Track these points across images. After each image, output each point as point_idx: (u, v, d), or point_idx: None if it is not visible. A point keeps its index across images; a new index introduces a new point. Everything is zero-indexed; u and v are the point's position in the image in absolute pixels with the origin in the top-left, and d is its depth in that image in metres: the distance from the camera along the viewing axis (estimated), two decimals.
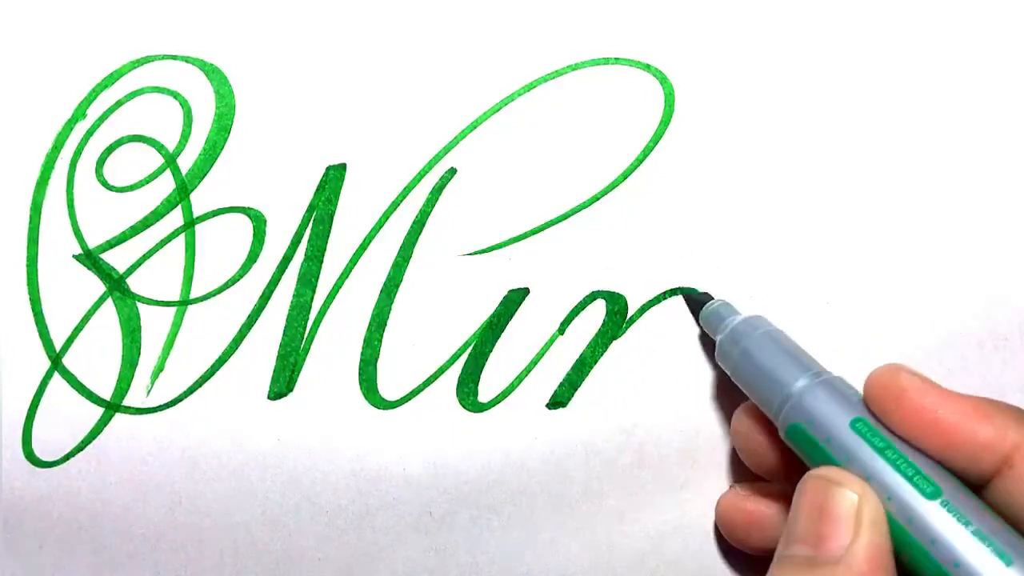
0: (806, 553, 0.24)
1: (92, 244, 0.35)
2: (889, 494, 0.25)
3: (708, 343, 0.34)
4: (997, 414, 0.25)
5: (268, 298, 0.35)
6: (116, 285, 0.35)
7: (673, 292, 0.35)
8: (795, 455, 0.28)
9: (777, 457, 0.30)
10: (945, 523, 0.24)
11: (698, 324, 0.34)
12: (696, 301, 0.34)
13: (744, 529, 0.32)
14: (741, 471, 0.35)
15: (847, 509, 0.24)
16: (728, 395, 0.35)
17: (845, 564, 0.23)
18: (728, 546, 0.35)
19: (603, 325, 0.35)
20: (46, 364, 0.35)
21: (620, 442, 0.35)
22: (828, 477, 0.25)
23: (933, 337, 0.35)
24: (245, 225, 0.35)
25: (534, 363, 0.35)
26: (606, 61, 0.35)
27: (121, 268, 0.35)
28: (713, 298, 0.34)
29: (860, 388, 0.27)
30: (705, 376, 0.35)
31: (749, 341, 0.30)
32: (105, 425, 0.35)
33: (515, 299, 0.35)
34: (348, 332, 0.35)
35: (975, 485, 0.25)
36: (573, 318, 0.35)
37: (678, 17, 0.34)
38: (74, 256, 0.35)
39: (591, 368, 0.35)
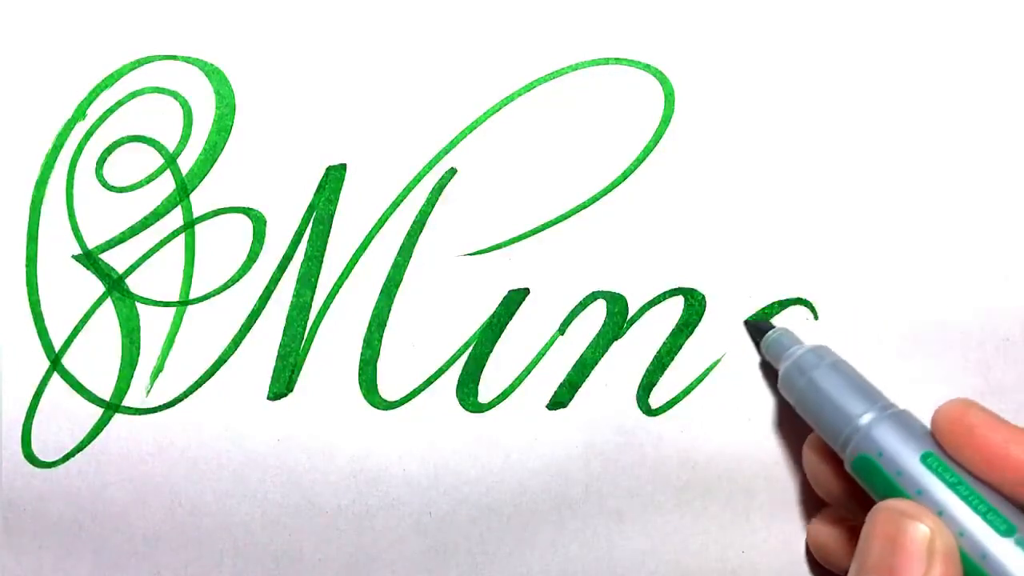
0: None
1: (91, 244, 0.35)
2: (961, 530, 0.25)
3: (766, 369, 0.35)
4: None
5: (268, 298, 0.35)
6: (115, 285, 0.35)
7: (674, 292, 0.35)
8: (860, 487, 0.28)
9: (843, 488, 0.31)
10: (1020, 561, 0.24)
11: (759, 352, 0.34)
12: (758, 328, 0.34)
13: (833, 554, 0.33)
14: (745, 476, 0.35)
15: (920, 542, 0.24)
16: (725, 395, 0.35)
17: None
18: (728, 547, 0.35)
19: (603, 325, 0.35)
20: (45, 364, 0.35)
21: (620, 442, 0.35)
22: (900, 509, 0.25)
23: (933, 337, 0.35)
24: (245, 225, 0.35)
25: (534, 363, 0.35)
26: (606, 61, 0.35)
27: (120, 268, 0.35)
28: (775, 326, 0.34)
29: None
30: (703, 375, 0.35)
31: (817, 372, 0.30)
32: (105, 425, 0.35)
33: (515, 299, 0.35)
34: (348, 332, 0.35)
35: None
36: (573, 318, 0.35)
37: (678, 17, 0.34)
38: (73, 256, 0.35)
39: (591, 368, 0.35)
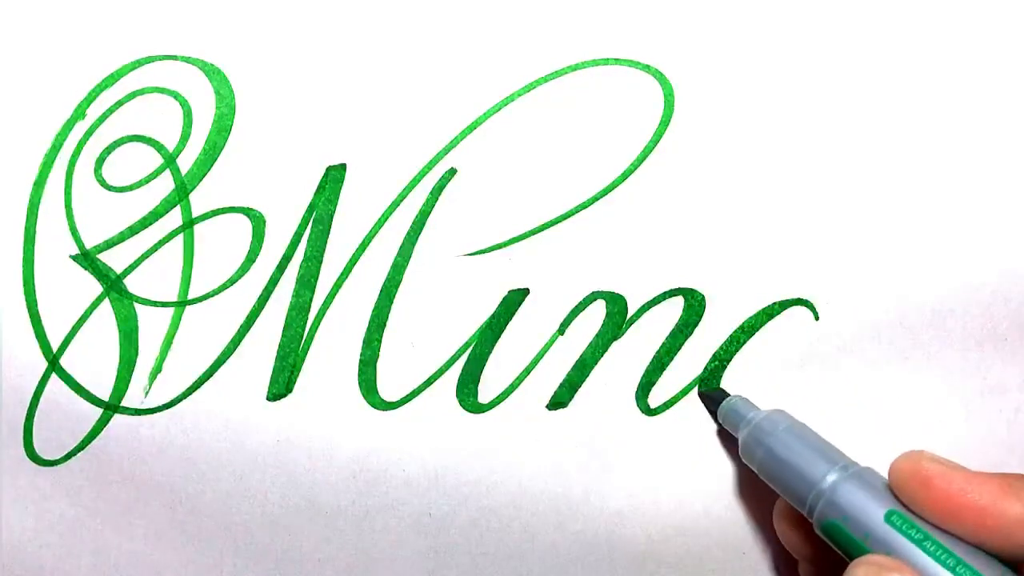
0: None
1: (89, 244, 0.35)
2: None
3: (727, 436, 0.35)
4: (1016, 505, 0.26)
5: (267, 298, 0.35)
6: (113, 285, 0.35)
7: (673, 293, 0.35)
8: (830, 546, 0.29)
9: (814, 548, 0.31)
10: None
11: (716, 421, 0.34)
12: (712, 399, 0.34)
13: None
14: (739, 477, 0.35)
15: None
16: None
17: None
18: (728, 547, 0.35)
19: (603, 325, 0.35)
20: (43, 365, 0.35)
21: (620, 442, 0.35)
22: (880, 563, 0.25)
23: (933, 337, 0.35)
24: (244, 225, 0.35)
25: (534, 364, 0.35)
26: (606, 61, 0.35)
27: (119, 268, 0.35)
28: (729, 395, 0.34)
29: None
30: (703, 375, 0.35)
31: (772, 439, 0.30)
32: (104, 425, 0.35)
33: (515, 299, 0.35)
34: (347, 332, 0.35)
35: (1013, 563, 0.26)
36: (573, 318, 0.35)
37: (678, 17, 0.34)
38: (71, 256, 0.35)
39: (591, 368, 0.35)
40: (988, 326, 0.35)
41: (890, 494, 0.27)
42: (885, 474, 0.28)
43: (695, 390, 0.35)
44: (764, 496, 0.35)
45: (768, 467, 0.30)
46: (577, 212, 0.35)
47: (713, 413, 0.34)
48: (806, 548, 0.32)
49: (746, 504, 0.35)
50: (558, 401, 0.35)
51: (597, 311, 0.35)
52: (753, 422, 0.32)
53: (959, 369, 0.35)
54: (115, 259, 0.35)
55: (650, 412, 0.35)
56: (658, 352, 0.35)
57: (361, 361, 0.35)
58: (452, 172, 0.35)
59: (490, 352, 0.35)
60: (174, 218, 0.35)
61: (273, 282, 0.35)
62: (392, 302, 0.35)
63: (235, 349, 0.35)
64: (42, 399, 0.35)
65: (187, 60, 0.34)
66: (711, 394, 0.35)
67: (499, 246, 0.35)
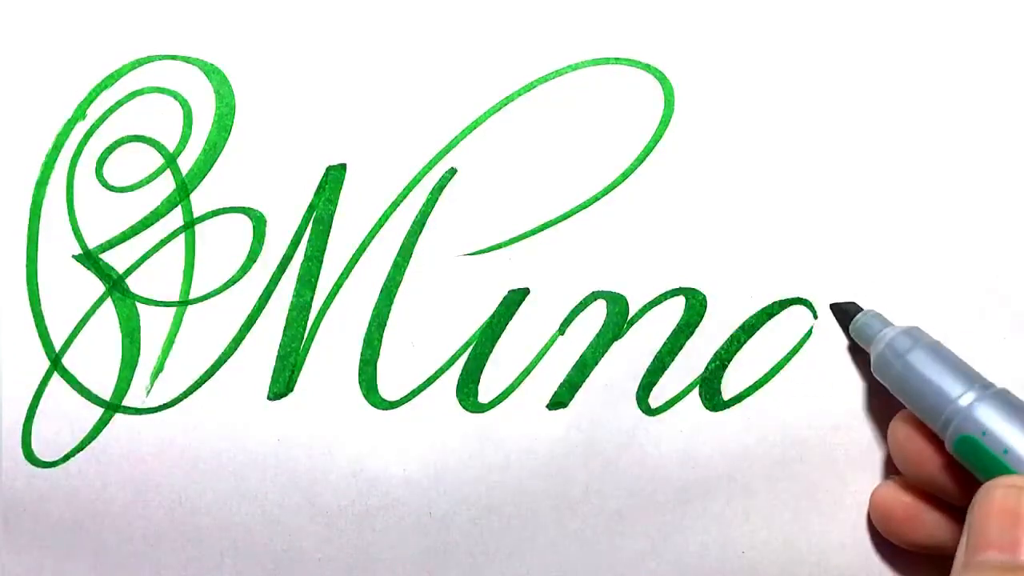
0: (1002, 559, 0.24)
1: (92, 244, 0.35)
2: None
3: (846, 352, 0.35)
4: None
5: (268, 298, 0.35)
6: (115, 285, 0.35)
7: (674, 292, 0.35)
8: (959, 466, 0.29)
9: (939, 466, 0.30)
10: None
11: (847, 336, 0.34)
12: (845, 312, 0.34)
13: (901, 523, 0.33)
14: (745, 476, 0.35)
15: None
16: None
17: None
18: (728, 547, 0.35)
19: (603, 325, 0.35)
20: (45, 364, 0.35)
21: (620, 442, 0.35)
22: (1020, 486, 0.25)
23: (932, 337, 0.35)
24: (245, 225, 0.35)
25: (534, 363, 0.35)
26: (606, 61, 0.35)
27: (120, 268, 0.35)
28: (862, 308, 0.34)
29: None
30: (703, 375, 0.35)
31: (911, 354, 0.30)
32: (105, 425, 0.35)
33: (515, 299, 0.35)
34: (348, 332, 0.35)
35: None
36: (573, 318, 0.35)
37: (678, 17, 0.34)
38: (73, 256, 0.35)
39: (591, 368, 0.35)
40: (987, 326, 0.35)
41: None
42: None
43: (695, 389, 0.35)
44: (765, 495, 0.35)
45: (905, 381, 0.30)
46: (577, 212, 0.35)
47: (845, 327, 0.34)
48: (921, 466, 0.31)
49: (746, 503, 0.35)
50: (558, 401, 0.35)
51: (598, 311, 0.35)
52: (889, 336, 0.31)
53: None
54: (117, 259, 0.35)
55: (651, 412, 0.35)
56: (659, 352, 0.35)
57: (361, 361, 0.35)
58: (452, 172, 0.35)
59: (490, 352, 0.35)
60: (175, 218, 0.35)
61: (274, 282, 0.35)
62: (392, 302, 0.35)
63: (236, 349, 0.35)
64: (43, 399, 0.35)
65: (187, 60, 0.34)
66: (844, 306, 0.34)
67: (499, 246, 0.35)
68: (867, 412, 0.35)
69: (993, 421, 0.27)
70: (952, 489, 0.30)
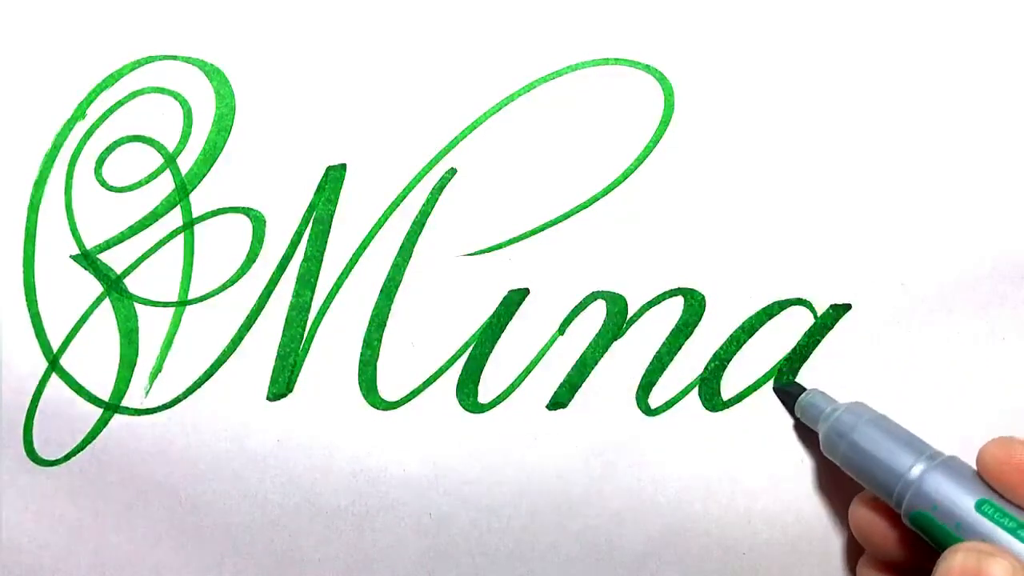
0: None
1: (90, 244, 0.35)
2: None
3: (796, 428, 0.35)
4: None
5: (267, 298, 0.35)
6: (114, 285, 0.35)
7: (674, 292, 0.35)
8: (919, 536, 0.29)
9: (898, 540, 0.31)
10: None
11: (792, 415, 0.34)
12: (789, 394, 0.34)
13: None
14: (746, 476, 0.35)
15: None
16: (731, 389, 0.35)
17: None
18: (729, 548, 0.35)
19: (603, 325, 0.35)
20: (44, 365, 0.35)
21: (620, 442, 0.35)
22: (980, 549, 0.25)
23: (932, 338, 0.35)
24: (244, 225, 0.35)
25: (534, 363, 0.35)
26: (606, 61, 0.35)
27: (119, 268, 0.35)
28: (805, 388, 0.34)
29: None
30: (703, 375, 0.35)
31: (856, 432, 0.30)
32: (104, 425, 0.35)
33: (515, 299, 0.35)
34: (348, 332, 0.35)
35: None
36: (573, 318, 0.35)
37: (678, 17, 0.34)
38: (72, 256, 0.35)
39: (591, 368, 0.35)
40: (987, 326, 0.35)
41: (981, 483, 0.27)
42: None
43: (695, 389, 0.35)
44: (766, 496, 0.35)
45: (852, 459, 0.30)
46: (577, 212, 0.35)
47: (790, 407, 0.34)
48: (885, 541, 0.31)
49: (748, 504, 0.35)
50: (558, 401, 0.35)
51: (597, 311, 0.35)
52: (834, 415, 0.32)
53: (960, 370, 0.35)
54: (115, 259, 0.35)
55: (650, 412, 0.35)
56: (658, 352, 0.35)
57: (361, 361, 0.35)
58: (452, 172, 0.35)
59: (490, 352, 0.35)
60: (174, 218, 0.35)
61: (273, 282, 0.35)
62: (392, 302, 0.35)
63: (235, 349, 0.35)
64: (42, 399, 0.35)
65: (187, 60, 0.34)
66: (787, 388, 0.35)
67: (499, 246, 0.35)
68: None
69: (943, 494, 0.27)
70: (912, 559, 0.31)
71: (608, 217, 0.35)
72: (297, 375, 0.35)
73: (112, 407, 0.35)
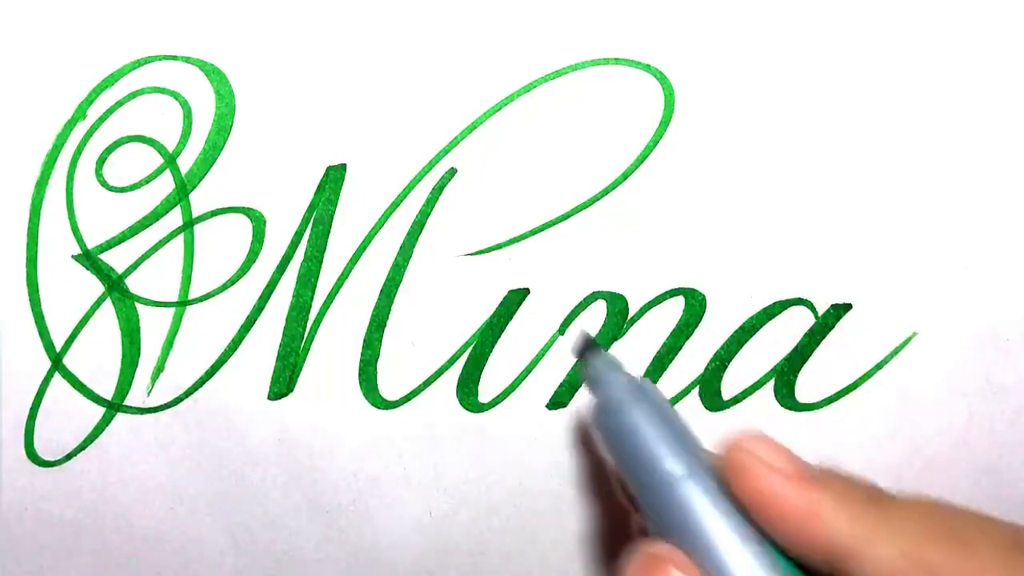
0: None
1: (91, 244, 0.35)
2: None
3: None
4: (820, 509, 0.22)
5: (268, 298, 0.35)
6: (115, 285, 0.35)
7: (674, 293, 0.35)
8: None
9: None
10: None
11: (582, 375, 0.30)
12: (584, 347, 0.29)
13: None
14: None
15: None
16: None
17: None
18: None
19: (603, 325, 0.35)
20: (47, 364, 0.35)
21: None
22: (656, 554, 0.23)
23: (933, 338, 0.35)
24: (245, 225, 0.35)
25: (534, 363, 0.35)
26: (606, 61, 0.35)
27: (120, 268, 0.35)
28: (602, 350, 0.29)
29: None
30: (703, 375, 0.35)
31: (626, 413, 0.26)
32: (106, 425, 0.35)
33: (515, 299, 0.35)
34: (348, 332, 0.35)
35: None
36: (573, 318, 0.35)
37: (678, 17, 0.34)
38: (73, 256, 0.35)
39: None
40: (989, 327, 0.35)
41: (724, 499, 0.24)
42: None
43: (695, 389, 0.35)
44: None
45: (611, 437, 0.27)
46: (577, 212, 0.35)
47: (580, 361, 0.29)
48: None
49: None
50: (558, 401, 0.35)
51: (597, 311, 0.35)
52: (613, 385, 0.27)
53: (960, 370, 0.35)
54: (116, 259, 0.35)
55: None
56: (658, 352, 0.35)
57: (361, 360, 0.35)
58: (452, 172, 0.35)
59: (490, 352, 0.35)
60: (174, 218, 0.35)
61: (273, 282, 0.35)
62: (392, 302, 0.35)
63: (236, 349, 0.35)
64: (44, 398, 0.35)
65: (187, 60, 0.34)
66: (586, 341, 0.29)
67: (499, 246, 0.35)
68: None
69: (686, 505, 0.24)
70: None
71: (608, 217, 0.35)
72: (298, 375, 0.35)
73: (115, 406, 0.35)
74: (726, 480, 0.24)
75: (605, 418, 0.27)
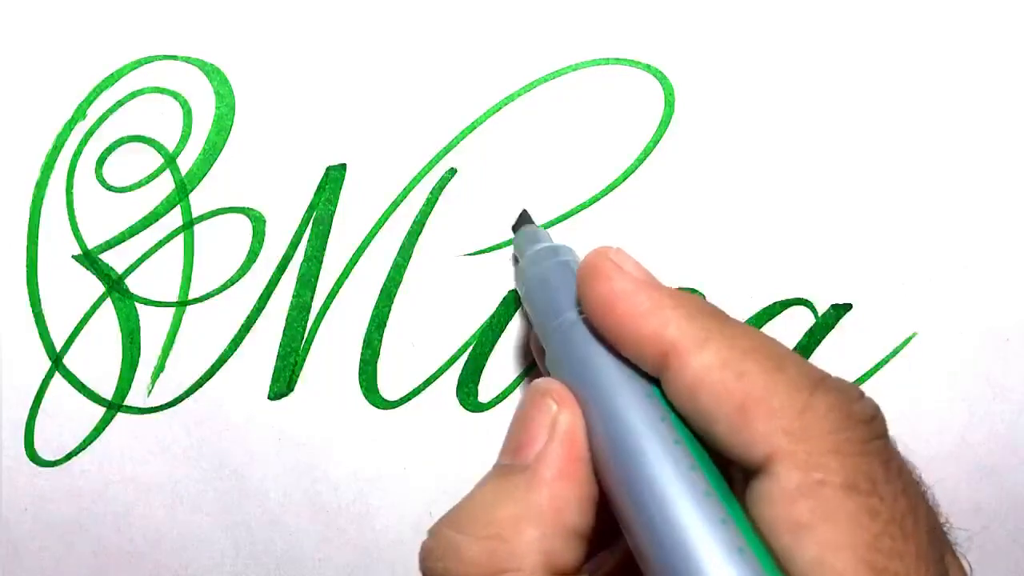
0: (505, 462, 0.24)
1: (91, 244, 0.35)
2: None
3: None
4: (659, 309, 0.23)
5: (268, 298, 0.35)
6: (115, 285, 0.35)
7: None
8: None
9: None
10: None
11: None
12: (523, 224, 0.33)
13: None
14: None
15: (544, 418, 0.23)
16: None
17: (532, 470, 0.23)
18: None
19: None
20: (47, 364, 0.35)
21: None
22: (536, 387, 0.24)
23: (933, 338, 0.35)
24: (245, 225, 0.35)
25: (534, 363, 0.35)
26: (606, 61, 0.35)
27: (120, 268, 0.35)
28: (535, 224, 0.33)
29: None
30: None
31: (537, 268, 0.29)
32: (106, 425, 0.35)
33: (515, 299, 0.35)
34: (348, 332, 0.35)
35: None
36: None
37: (678, 17, 0.34)
38: (73, 256, 0.35)
39: None
40: (989, 327, 0.35)
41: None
42: None
43: None
44: None
45: (521, 291, 0.29)
46: (577, 212, 0.35)
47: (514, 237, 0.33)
48: None
49: None
50: None
51: None
52: (532, 248, 0.30)
53: (960, 371, 0.35)
54: (116, 259, 0.35)
55: None
56: None
57: (361, 360, 0.35)
58: (452, 172, 0.35)
59: (490, 352, 0.35)
60: (174, 218, 0.35)
61: (273, 282, 0.35)
62: (392, 302, 0.35)
63: (236, 349, 0.35)
64: (45, 398, 0.35)
65: (187, 60, 0.34)
66: (522, 216, 0.34)
67: (499, 246, 0.35)
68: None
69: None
70: None
71: (608, 217, 0.35)
72: (298, 375, 0.35)
73: (115, 406, 0.35)
74: (581, 283, 0.25)
75: (520, 275, 0.29)
